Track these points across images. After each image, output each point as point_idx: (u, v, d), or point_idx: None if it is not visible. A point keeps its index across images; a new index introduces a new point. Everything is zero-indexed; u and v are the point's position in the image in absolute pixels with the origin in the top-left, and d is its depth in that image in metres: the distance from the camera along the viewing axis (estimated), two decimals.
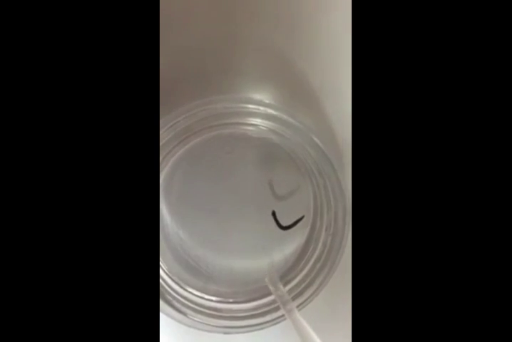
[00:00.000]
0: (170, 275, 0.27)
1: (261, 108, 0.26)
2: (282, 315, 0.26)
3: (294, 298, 0.26)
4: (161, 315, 0.27)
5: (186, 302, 0.26)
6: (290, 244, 0.28)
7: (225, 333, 0.26)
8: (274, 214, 0.27)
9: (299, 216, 0.28)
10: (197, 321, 0.26)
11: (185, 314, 0.26)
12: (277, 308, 0.26)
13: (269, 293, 0.27)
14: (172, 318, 0.26)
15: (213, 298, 0.27)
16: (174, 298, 0.26)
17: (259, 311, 0.26)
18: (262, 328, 0.26)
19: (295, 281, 0.27)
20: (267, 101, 0.26)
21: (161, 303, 0.25)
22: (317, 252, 0.27)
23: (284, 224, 0.27)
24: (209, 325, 0.26)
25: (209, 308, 0.27)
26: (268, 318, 0.26)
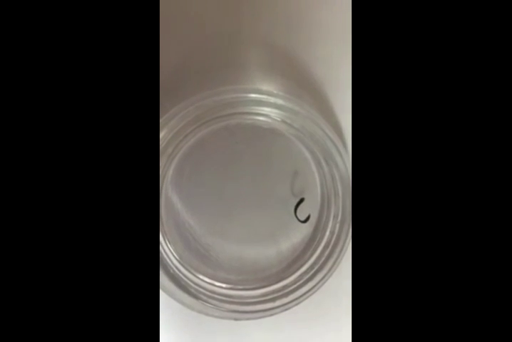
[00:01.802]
0: (182, 262, 0.27)
1: (270, 98, 0.26)
2: (292, 301, 0.26)
3: (304, 283, 0.27)
4: (165, 310, 0.28)
5: (198, 288, 0.27)
6: (298, 233, 0.28)
7: (235, 319, 0.27)
8: (296, 206, 0.28)
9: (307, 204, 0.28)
10: (209, 306, 0.26)
11: (197, 298, 0.26)
12: (287, 294, 0.27)
13: (278, 280, 0.28)
14: (183, 303, 0.26)
15: (223, 285, 0.28)
16: (187, 283, 0.27)
17: (269, 297, 0.27)
18: (271, 314, 0.27)
19: (305, 267, 0.28)
20: (275, 91, 0.27)
21: (174, 288, 0.26)
22: (325, 239, 0.28)
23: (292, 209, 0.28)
24: (220, 310, 0.26)
25: (219, 294, 0.27)
26: (278, 303, 0.26)
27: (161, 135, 0.26)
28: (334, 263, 0.27)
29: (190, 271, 0.27)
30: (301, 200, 0.28)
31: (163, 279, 0.26)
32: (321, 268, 0.27)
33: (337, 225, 0.28)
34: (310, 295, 0.27)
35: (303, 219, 0.28)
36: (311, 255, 0.28)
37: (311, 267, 0.28)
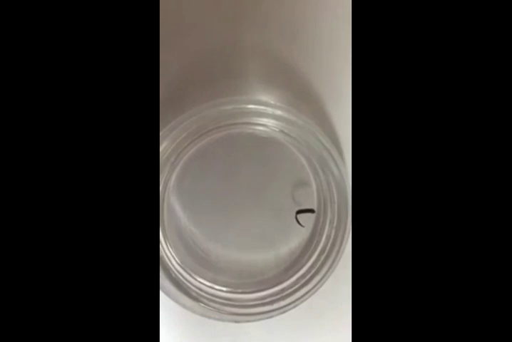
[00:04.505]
0: (183, 266, 0.28)
1: (268, 109, 0.27)
2: (290, 304, 0.27)
3: (301, 287, 0.28)
4: (168, 313, 0.28)
5: (198, 291, 0.28)
6: (295, 238, 0.29)
7: (236, 321, 0.28)
8: (297, 213, 0.29)
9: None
10: (209, 309, 0.27)
11: (198, 301, 0.27)
12: (284, 297, 0.28)
13: (276, 284, 0.29)
14: (184, 306, 0.27)
15: (223, 289, 0.28)
16: (188, 287, 0.28)
17: (268, 300, 0.28)
18: (270, 317, 0.27)
19: (301, 271, 0.28)
20: (273, 102, 0.28)
21: (175, 291, 0.27)
22: (321, 245, 0.29)
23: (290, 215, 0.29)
24: (220, 312, 0.27)
25: (219, 297, 0.28)
26: (276, 306, 0.27)
27: (164, 144, 0.27)
28: (330, 267, 0.28)
29: (190, 275, 0.28)
30: (311, 211, 0.29)
31: (165, 283, 0.27)
32: (318, 272, 0.28)
33: (333, 230, 0.28)
34: (307, 298, 0.28)
35: (301, 223, 0.29)
36: (308, 259, 0.29)
37: (308, 271, 0.28)
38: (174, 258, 0.28)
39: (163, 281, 0.27)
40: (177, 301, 0.27)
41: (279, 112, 0.27)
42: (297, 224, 0.29)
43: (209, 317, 0.27)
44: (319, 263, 0.28)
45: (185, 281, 0.28)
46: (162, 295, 0.27)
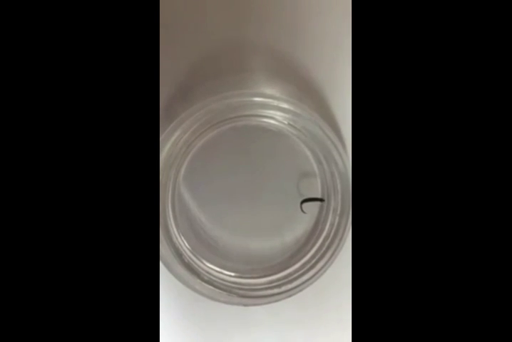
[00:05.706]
0: (194, 253, 0.29)
1: (274, 101, 0.28)
2: (296, 287, 0.28)
3: (306, 272, 0.29)
4: (181, 299, 0.30)
5: (209, 276, 0.29)
6: (300, 226, 0.30)
7: (244, 304, 0.29)
8: (306, 202, 0.30)
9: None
10: (219, 291, 0.28)
11: (209, 283, 0.28)
12: (291, 281, 0.29)
13: (283, 269, 0.30)
14: (195, 290, 0.28)
15: (232, 274, 0.30)
16: (199, 271, 0.29)
17: (275, 284, 0.29)
18: (277, 300, 0.28)
19: (307, 257, 0.29)
20: (278, 95, 0.29)
21: (188, 276, 0.28)
22: (325, 232, 0.30)
23: (296, 204, 0.30)
24: (230, 295, 0.28)
25: (228, 281, 0.29)
26: (284, 288, 0.28)
27: (174, 136, 0.28)
28: (334, 253, 0.29)
29: (201, 261, 0.29)
30: (320, 200, 0.30)
31: (178, 267, 0.28)
32: (322, 257, 0.29)
33: (336, 218, 0.30)
34: (312, 282, 0.29)
35: (303, 210, 0.30)
36: (313, 246, 0.30)
37: (313, 257, 0.29)
38: (185, 245, 0.29)
39: (176, 267, 0.28)
40: (188, 285, 0.28)
41: (284, 105, 0.28)
42: (302, 213, 0.30)
43: (218, 300, 0.28)
44: (324, 249, 0.29)
45: (197, 266, 0.29)
46: (172, 281, 0.28)
